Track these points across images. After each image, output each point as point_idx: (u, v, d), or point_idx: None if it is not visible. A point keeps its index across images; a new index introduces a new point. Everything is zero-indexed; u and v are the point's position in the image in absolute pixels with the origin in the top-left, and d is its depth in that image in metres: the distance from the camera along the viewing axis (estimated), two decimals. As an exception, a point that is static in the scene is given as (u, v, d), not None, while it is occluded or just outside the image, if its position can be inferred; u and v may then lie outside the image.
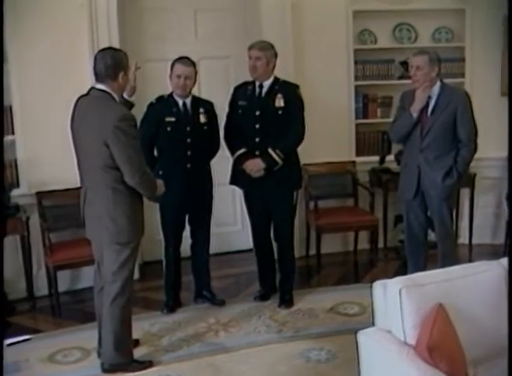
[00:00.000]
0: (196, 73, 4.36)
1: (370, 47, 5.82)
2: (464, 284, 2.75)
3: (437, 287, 2.68)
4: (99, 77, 3.50)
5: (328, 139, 5.57)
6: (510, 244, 4.14)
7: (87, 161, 3.54)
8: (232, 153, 4.53)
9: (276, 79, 4.45)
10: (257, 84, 4.44)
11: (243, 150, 4.43)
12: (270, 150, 4.34)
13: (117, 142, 3.35)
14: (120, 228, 3.51)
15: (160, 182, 3.73)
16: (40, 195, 4.90)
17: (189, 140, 4.37)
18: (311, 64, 5.51)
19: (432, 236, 4.67)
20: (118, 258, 3.57)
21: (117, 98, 3.53)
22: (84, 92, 3.62)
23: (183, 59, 4.31)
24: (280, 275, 4.71)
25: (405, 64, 5.70)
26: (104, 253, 3.62)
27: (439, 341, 2.48)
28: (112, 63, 3.46)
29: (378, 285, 2.83)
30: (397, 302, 2.62)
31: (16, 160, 4.91)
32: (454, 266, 2.99)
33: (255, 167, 4.37)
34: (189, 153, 4.37)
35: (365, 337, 2.80)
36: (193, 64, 4.33)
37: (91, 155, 3.47)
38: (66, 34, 4.89)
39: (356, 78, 5.75)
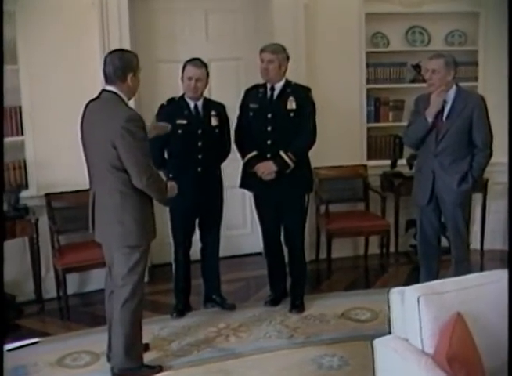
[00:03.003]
0: (207, 74, 4.33)
1: (382, 50, 5.80)
2: (481, 293, 2.70)
3: (455, 295, 2.64)
4: (108, 78, 3.48)
5: (339, 142, 5.55)
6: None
7: (95, 164, 3.52)
8: (243, 156, 4.50)
9: (288, 82, 4.42)
10: (269, 86, 4.42)
11: (254, 153, 4.41)
12: (282, 153, 4.32)
13: (124, 144, 3.32)
14: (128, 231, 3.49)
15: (172, 184, 3.69)
16: (49, 197, 4.89)
17: (200, 143, 4.34)
18: (323, 67, 5.49)
19: (445, 241, 4.64)
20: (128, 262, 3.54)
21: (126, 99, 3.49)
22: (95, 91, 3.60)
23: (194, 61, 4.28)
24: (291, 279, 4.68)
25: (417, 67, 5.71)
26: (114, 256, 3.60)
27: (458, 351, 2.44)
28: (120, 65, 3.44)
29: (395, 292, 2.79)
30: (415, 310, 2.58)
31: (25, 162, 4.90)
32: (472, 274, 2.96)
33: (267, 169, 4.34)
34: (199, 156, 4.34)
35: (381, 345, 2.77)
36: (205, 66, 4.30)
37: (100, 157, 3.45)
38: (77, 33, 4.88)
39: (368, 81, 5.73)
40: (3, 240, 4.20)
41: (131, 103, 3.75)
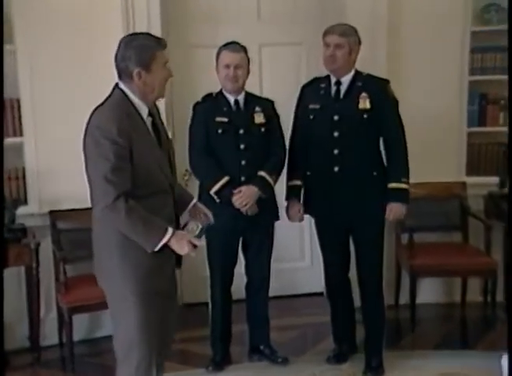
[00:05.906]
0: (248, 60, 4.38)
1: (496, 28, 5.54)
2: None
3: None
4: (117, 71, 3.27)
5: (429, 152, 5.43)
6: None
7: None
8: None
9: (358, 72, 4.33)
10: (333, 80, 4.33)
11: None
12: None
13: (87, 152, 3.14)
14: (108, 271, 3.33)
15: (181, 235, 3.25)
16: (54, 215, 4.89)
17: (242, 146, 4.36)
18: (409, 54, 5.43)
19: None
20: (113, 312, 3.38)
21: (135, 100, 3.22)
22: (113, 83, 3.44)
23: (231, 45, 4.36)
24: (365, 330, 4.54)
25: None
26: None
27: None
28: (125, 55, 3.17)
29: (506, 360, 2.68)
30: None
31: (23, 170, 4.90)
32: None
33: None
34: (243, 162, 4.36)
35: None
36: (244, 49, 4.37)
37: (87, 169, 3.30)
38: (93, 9, 4.86)
39: (472, 72, 5.57)
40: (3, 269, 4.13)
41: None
